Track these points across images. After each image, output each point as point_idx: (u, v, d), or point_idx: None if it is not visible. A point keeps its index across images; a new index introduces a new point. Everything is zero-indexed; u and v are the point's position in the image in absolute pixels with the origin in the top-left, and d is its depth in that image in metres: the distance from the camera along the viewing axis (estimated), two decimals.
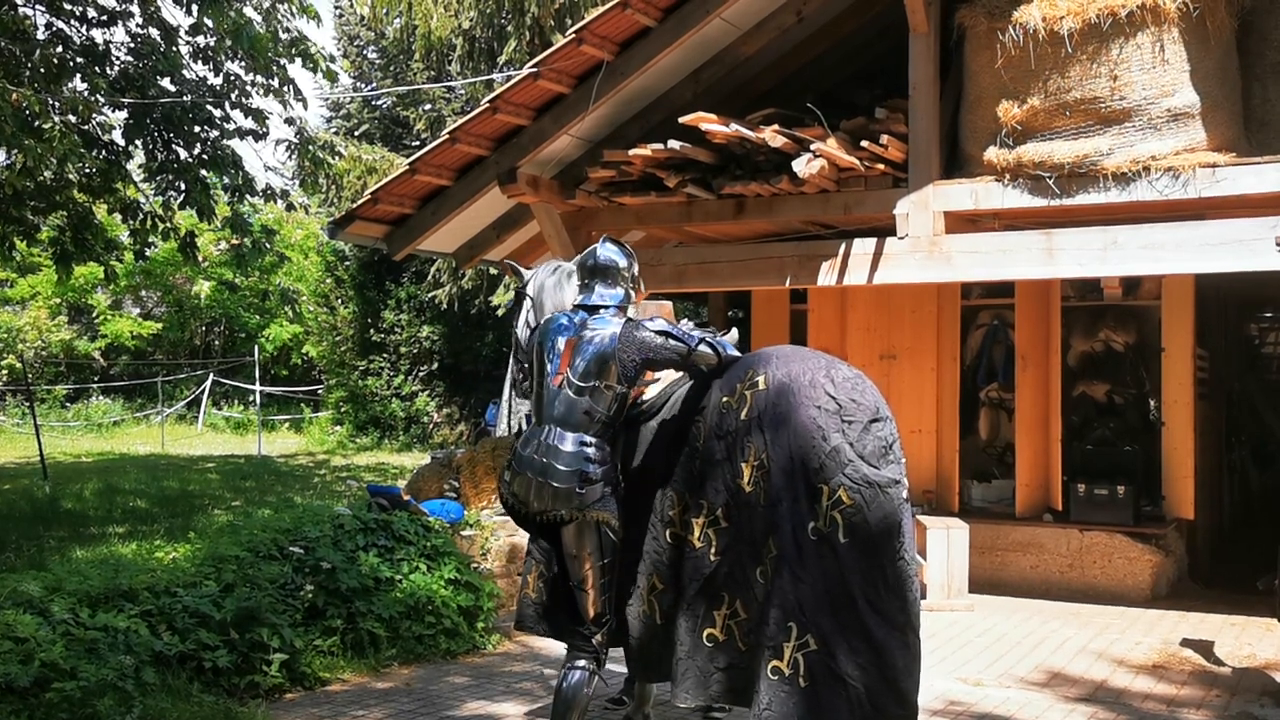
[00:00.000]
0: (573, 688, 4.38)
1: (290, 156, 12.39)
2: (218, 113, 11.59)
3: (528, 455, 4.36)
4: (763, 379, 4.10)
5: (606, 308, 4.55)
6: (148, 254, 13.09)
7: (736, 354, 4.54)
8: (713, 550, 4.13)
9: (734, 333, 4.81)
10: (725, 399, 4.20)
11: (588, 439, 4.32)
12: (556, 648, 6.32)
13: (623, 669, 5.56)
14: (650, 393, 4.70)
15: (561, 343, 4.47)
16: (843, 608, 3.83)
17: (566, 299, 5.04)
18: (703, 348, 4.41)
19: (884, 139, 7.07)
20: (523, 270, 5.42)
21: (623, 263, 4.68)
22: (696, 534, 4.17)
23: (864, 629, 3.81)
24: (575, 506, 4.28)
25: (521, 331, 5.24)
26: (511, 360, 5.57)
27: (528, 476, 4.33)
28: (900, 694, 3.83)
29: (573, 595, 4.54)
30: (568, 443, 4.31)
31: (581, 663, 4.44)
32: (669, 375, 4.73)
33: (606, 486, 4.33)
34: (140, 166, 12.53)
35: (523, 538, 7.12)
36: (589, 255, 4.72)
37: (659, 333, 4.40)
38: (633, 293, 4.73)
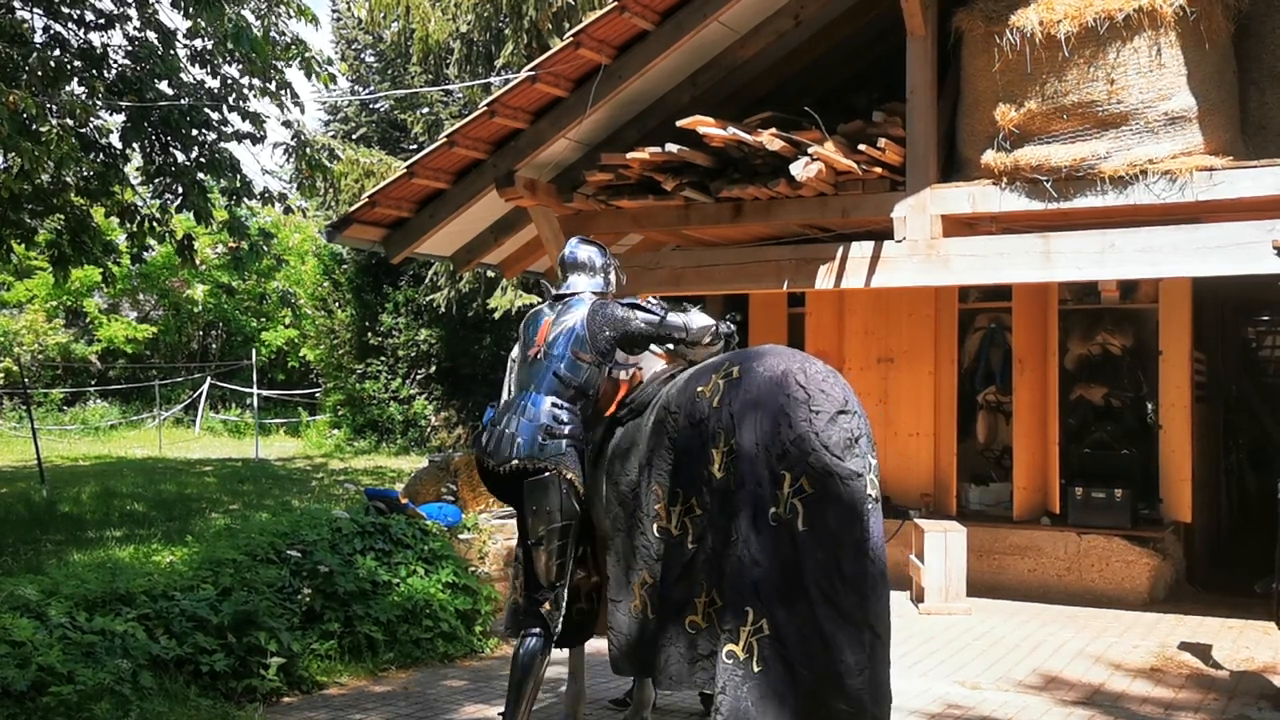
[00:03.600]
0: (528, 654, 4.55)
1: (288, 160, 12.40)
2: (215, 116, 11.59)
3: (502, 414, 4.72)
4: (737, 370, 4.18)
5: (581, 293, 4.89)
6: (145, 257, 13.10)
7: (706, 320, 4.80)
8: (689, 538, 4.17)
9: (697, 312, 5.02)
10: (700, 389, 4.24)
11: (560, 401, 4.62)
12: (555, 652, 6.32)
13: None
14: (635, 391, 4.74)
15: (539, 325, 4.84)
16: (795, 596, 3.83)
17: None
18: (672, 317, 4.72)
19: (881, 142, 7.08)
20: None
21: (599, 260, 5.05)
22: (674, 523, 4.21)
23: (814, 619, 3.80)
24: (536, 455, 4.53)
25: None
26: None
27: (497, 429, 4.65)
28: (846, 691, 3.78)
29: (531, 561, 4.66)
30: (542, 403, 4.62)
31: (536, 631, 4.58)
32: (653, 371, 4.77)
33: (571, 445, 4.58)
34: (138, 170, 12.53)
35: None
36: (562, 255, 5.10)
37: (628, 305, 4.75)
38: (610, 281, 5.07)
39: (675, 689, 4.30)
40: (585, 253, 5.06)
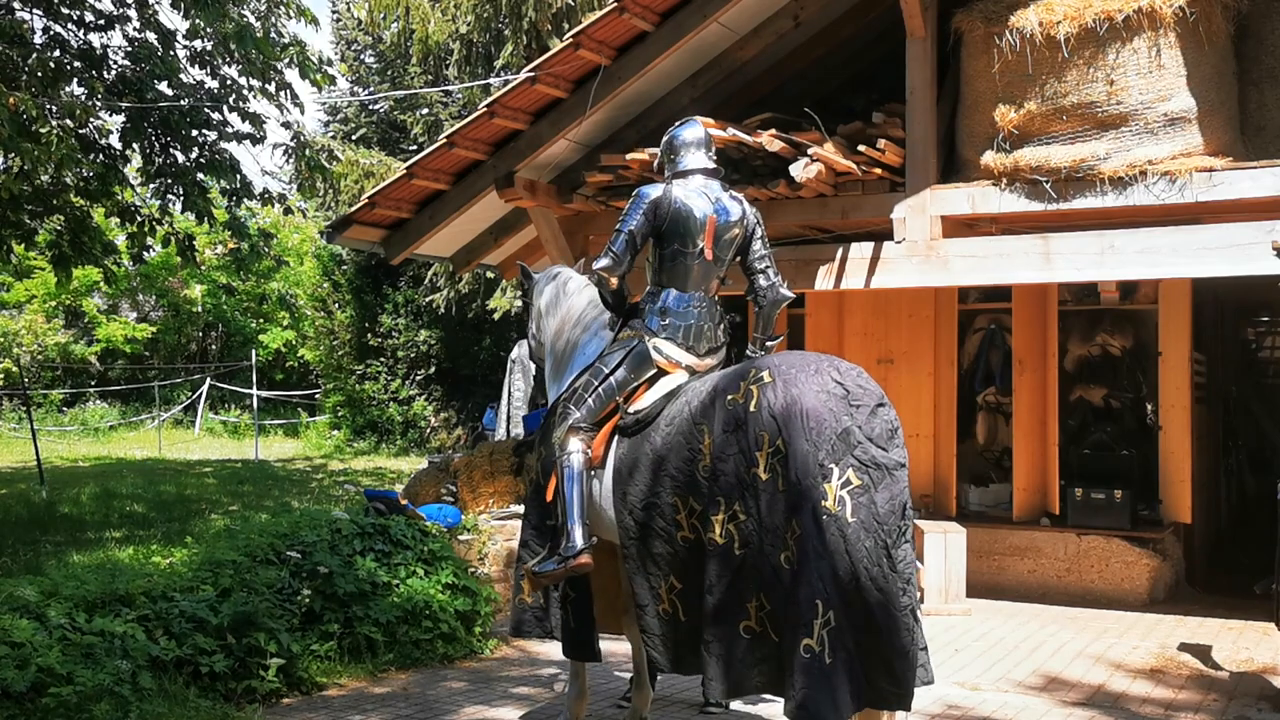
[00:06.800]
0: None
1: (287, 160, 12.41)
2: (215, 116, 11.60)
3: (685, 306, 4.92)
4: (767, 374, 4.19)
5: (710, 179, 5.00)
6: (145, 257, 13.12)
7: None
8: (736, 545, 4.16)
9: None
10: (731, 397, 4.25)
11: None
12: (554, 652, 6.32)
13: (628, 665, 5.56)
14: (644, 402, 4.71)
15: (700, 221, 4.87)
16: (849, 586, 3.88)
17: (565, 309, 5.20)
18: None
19: (881, 143, 7.08)
20: (532, 274, 5.61)
21: (704, 134, 5.08)
22: (718, 531, 4.19)
23: (867, 607, 3.88)
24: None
25: (522, 348, 5.42)
26: (516, 370, 5.71)
27: (690, 324, 4.90)
28: (894, 673, 3.91)
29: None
30: (718, 307, 5.04)
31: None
32: (663, 386, 4.74)
33: None
34: (138, 170, 12.54)
35: None
36: (672, 136, 5.10)
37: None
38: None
39: (735, 698, 4.30)
40: (696, 131, 5.06)
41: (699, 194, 4.90)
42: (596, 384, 4.79)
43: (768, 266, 5.06)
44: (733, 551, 4.16)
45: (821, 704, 3.82)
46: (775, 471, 4.04)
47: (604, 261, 4.90)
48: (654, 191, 4.90)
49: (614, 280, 4.94)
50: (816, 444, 3.96)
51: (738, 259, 5.05)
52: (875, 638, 3.88)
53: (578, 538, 4.60)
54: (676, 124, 5.18)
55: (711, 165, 5.01)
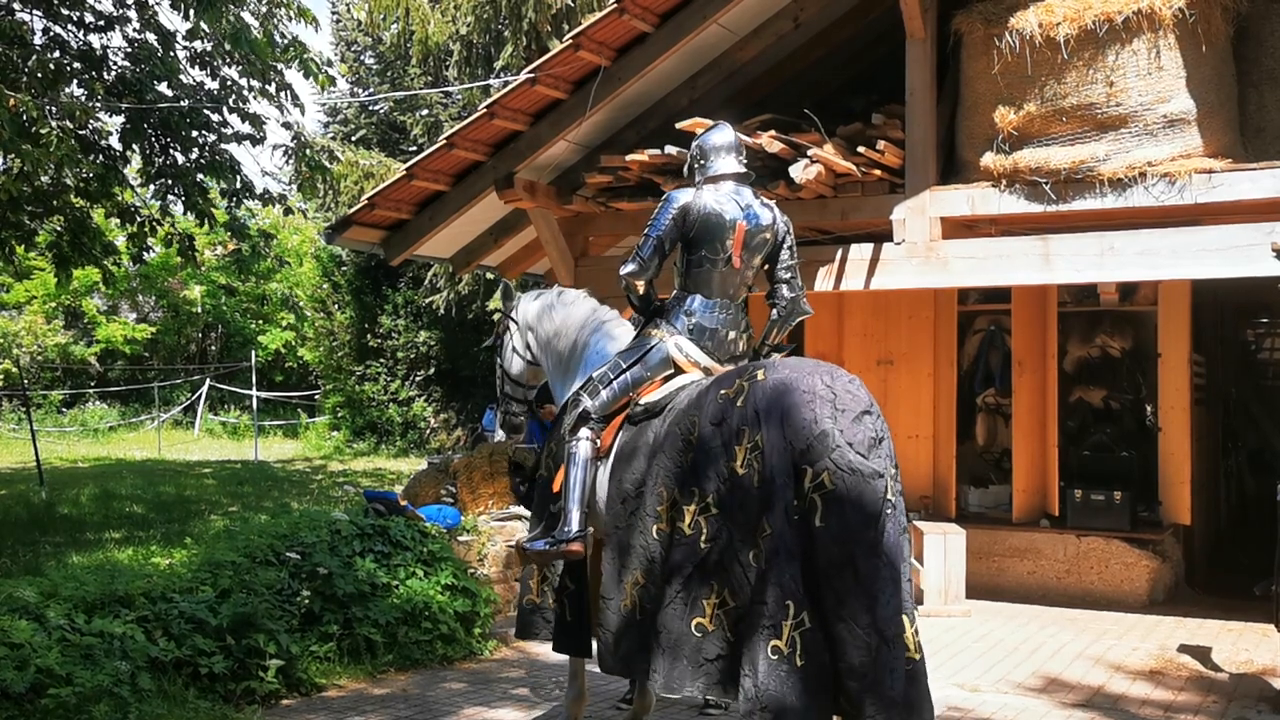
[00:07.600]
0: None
1: (287, 161, 12.41)
2: (215, 117, 11.60)
3: (710, 312, 4.87)
4: (761, 373, 4.18)
5: (742, 184, 4.94)
6: (145, 258, 13.13)
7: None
8: (703, 537, 4.13)
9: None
10: (723, 392, 4.25)
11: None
12: (554, 654, 6.32)
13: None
14: (655, 395, 4.71)
15: (729, 228, 4.81)
16: (813, 591, 3.84)
17: (561, 316, 5.20)
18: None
19: (881, 145, 7.08)
20: (514, 292, 5.59)
21: (734, 138, 5.01)
22: (688, 521, 4.18)
23: (823, 617, 3.81)
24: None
25: (514, 358, 5.42)
26: (503, 387, 5.64)
27: (717, 332, 4.86)
28: (848, 691, 3.79)
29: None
30: (744, 317, 4.96)
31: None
32: (677, 382, 4.75)
33: None
34: (138, 171, 12.54)
35: None
36: (702, 140, 5.01)
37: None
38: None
39: (678, 693, 4.26)
40: (725, 135, 4.99)
41: (729, 199, 4.83)
42: (613, 378, 4.77)
43: (793, 278, 5.00)
44: (698, 544, 4.13)
45: (787, 707, 3.75)
46: (752, 467, 4.01)
47: (630, 266, 4.83)
48: (683, 197, 4.83)
49: (640, 285, 4.88)
50: (793, 442, 3.92)
51: (765, 266, 4.99)
52: (831, 649, 3.79)
53: (574, 522, 4.59)
54: (705, 129, 5.11)
55: (742, 170, 4.94)
